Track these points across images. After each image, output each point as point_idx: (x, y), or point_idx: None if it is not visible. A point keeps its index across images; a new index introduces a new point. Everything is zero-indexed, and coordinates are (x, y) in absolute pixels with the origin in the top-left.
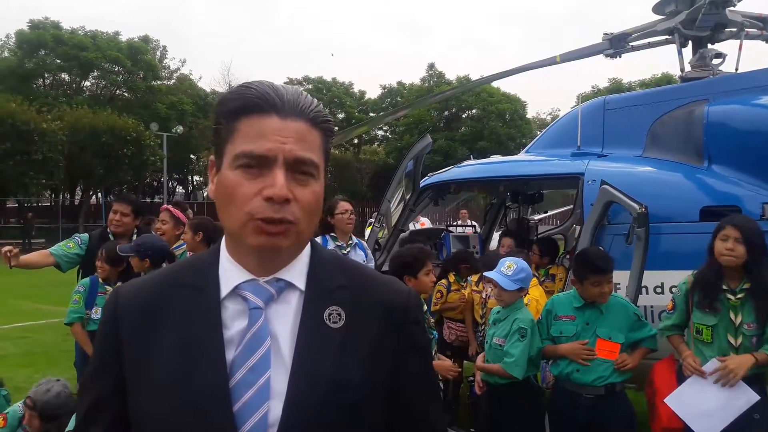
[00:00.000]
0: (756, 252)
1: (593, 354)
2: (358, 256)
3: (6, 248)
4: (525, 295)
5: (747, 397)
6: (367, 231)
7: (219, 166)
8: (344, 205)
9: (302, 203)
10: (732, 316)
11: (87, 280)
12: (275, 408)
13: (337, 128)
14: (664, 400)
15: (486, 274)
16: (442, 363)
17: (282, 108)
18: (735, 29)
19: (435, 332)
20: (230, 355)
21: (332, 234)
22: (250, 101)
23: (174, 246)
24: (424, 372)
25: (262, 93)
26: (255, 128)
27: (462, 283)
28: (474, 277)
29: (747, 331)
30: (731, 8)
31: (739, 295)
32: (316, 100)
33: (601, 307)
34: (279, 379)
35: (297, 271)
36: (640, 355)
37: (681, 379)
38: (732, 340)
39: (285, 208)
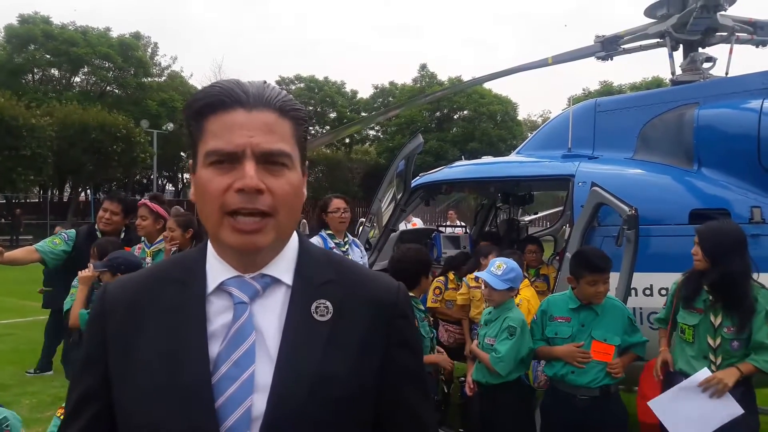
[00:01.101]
0: (712, 255)
1: (589, 357)
2: (354, 254)
3: None
4: (516, 295)
5: (731, 409)
6: (358, 230)
7: (194, 167)
8: (336, 203)
9: (277, 194)
10: (712, 317)
11: None
12: (259, 402)
13: (328, 127)
14: (648, 403)
15: (476, 274)
16: (442, 356)
17: (247, 101)
18: (725, 33)
19: (434, 330)
20: (214, 350)
21: (329, 232)
22: (215, 98)
23: (155, 241)
24: (414, 367)
25: (226, 89)
26: (221, 125)
27: (458, 283)
28: (470, 276)
29: (726, 334)
30: (722, 12)
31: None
32: (284, 91)
33: (596, 309)
34: (264, 374)
35: (283, 267)
36: (628, 360)
37: (666, 377)
38: (711, 342)
39: (258, 199)
